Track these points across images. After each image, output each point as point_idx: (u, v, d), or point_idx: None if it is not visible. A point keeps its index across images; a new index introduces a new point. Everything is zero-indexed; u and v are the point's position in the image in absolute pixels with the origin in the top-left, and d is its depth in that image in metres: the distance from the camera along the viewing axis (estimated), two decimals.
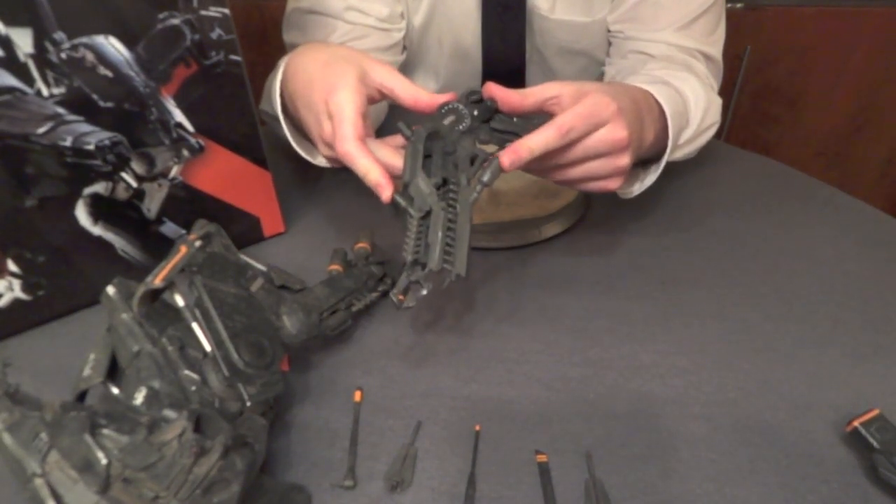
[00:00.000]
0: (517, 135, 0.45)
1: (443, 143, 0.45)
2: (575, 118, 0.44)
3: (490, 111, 0.47)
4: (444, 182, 0.43)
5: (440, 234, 0.40)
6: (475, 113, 0.46)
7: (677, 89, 0.58)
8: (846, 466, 0.40)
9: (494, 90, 0.46)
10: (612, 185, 0.48)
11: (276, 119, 0.64)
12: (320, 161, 0.58)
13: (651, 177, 0.56)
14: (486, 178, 0.42)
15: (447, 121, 0.45)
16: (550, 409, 0.44)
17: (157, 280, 0.39)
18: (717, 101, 0.64)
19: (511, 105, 0.46)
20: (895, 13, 1.26)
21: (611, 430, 0.42)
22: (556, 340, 0.49)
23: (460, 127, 0.45)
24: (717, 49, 0.71)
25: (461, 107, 0.45)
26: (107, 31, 0.43)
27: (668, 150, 0.55)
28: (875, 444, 0.38)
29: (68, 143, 0.45)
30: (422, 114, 0.46)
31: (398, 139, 0.48)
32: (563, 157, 0.45)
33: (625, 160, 0.46)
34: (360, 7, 0.71)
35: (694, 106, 0.59)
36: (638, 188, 0.57)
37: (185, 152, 0.51)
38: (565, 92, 0.45)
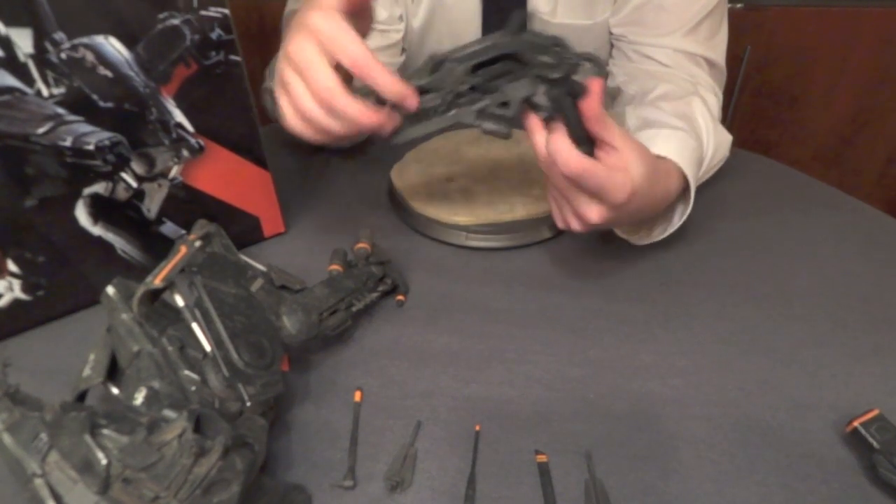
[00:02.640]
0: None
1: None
2: (602, 171, 0.43)
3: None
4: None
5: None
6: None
7: (696, 130, 0.58)
8: (846, 466, 0.40)
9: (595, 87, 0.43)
10: (574, 224, 0.48)
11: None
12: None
13: (658, 231, 0.56)
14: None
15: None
16: (550, 409, 0.44)
17: (157, 280, 0.39)
18: (728, 139, 0.64)
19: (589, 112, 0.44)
20: (895, 13, 1.26)
21: (611, 430, 0.42)
22: (556, 340, 0.49)
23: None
24: (719, 53, 0.71)
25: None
26: (107, 31, 0.43)
27: (686, 213, 0.55)
28: (875, 444, 0.38)
29: (68, 143, 0.45)
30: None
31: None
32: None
33: (591, 221, 0.46)
34: None
35: (706, 144, 0.60)
36: (646, 239, 0.57)
37: (185, 152, 0.51)
38: (619, 151, 0.45)
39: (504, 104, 0.43)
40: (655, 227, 0.57)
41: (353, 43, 0.41)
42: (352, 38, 0.41)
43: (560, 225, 0.50)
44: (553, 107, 0.44)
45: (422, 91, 0.43)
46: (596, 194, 0.44)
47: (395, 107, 0.43)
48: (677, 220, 0.55)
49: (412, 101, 0.42)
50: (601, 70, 0.43)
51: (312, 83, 0.43)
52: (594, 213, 0.45)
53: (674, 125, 0.57)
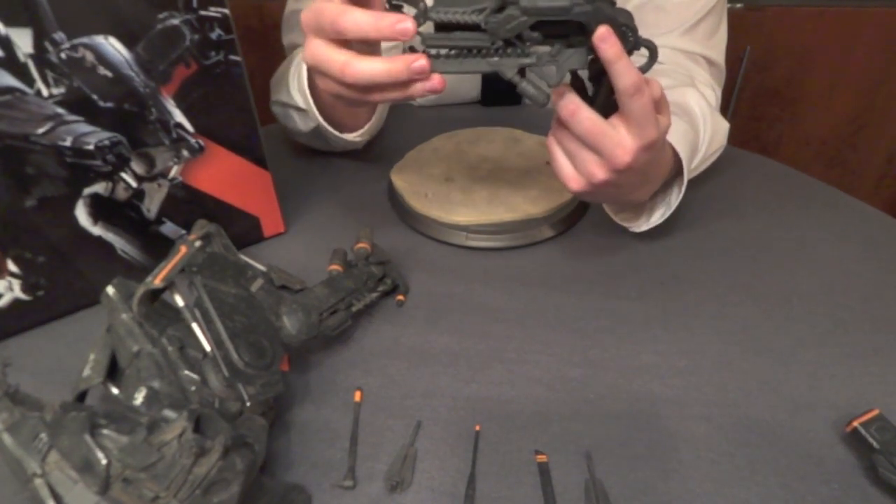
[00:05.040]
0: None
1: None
2: (646, 104, 0.42)
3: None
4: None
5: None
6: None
7: (690, 115, 0.58)
8: (846, 466, 0.40)
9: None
10: (567, 176, 0.47)
11: (292, 108, 0.64)
12: (348, 136, 0.60)
13: (658, 214, 0.56)
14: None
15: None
16: (550, 409, 0.44)
17: (157, 280, 0.39)
18: (725, 127, 0.64)
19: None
20: (895, 13, 1.26)
21: (611, 430, 0.42)
22: (556, 340, 0.49)
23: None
24: (718, 52, 0.71)
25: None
26: (107, 31, 0.43)
27: (680, 193, 0.55)
28: (875, 444, 0.38)
29: (68, 143, 0.45)
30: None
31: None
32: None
33: (622, 159, 0.44)
34: None
35: (702, 130, 0.60)
36: (645, 224, 0.57)
37: (185, 152, 0.51)
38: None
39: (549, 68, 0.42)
40: (655, 210, 0.56)
41: (346, 13, 0.40)
42: (340, 11, 0.40)
43: (573, 185, 0.47)
44: (593, 78, 0.43)
45: (473, 27, 0.41)
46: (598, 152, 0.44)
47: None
48: (675, 201, 0.55)
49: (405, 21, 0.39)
50: (653, 59, 0.43)
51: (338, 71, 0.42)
52: (599, 170, 0.45)
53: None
